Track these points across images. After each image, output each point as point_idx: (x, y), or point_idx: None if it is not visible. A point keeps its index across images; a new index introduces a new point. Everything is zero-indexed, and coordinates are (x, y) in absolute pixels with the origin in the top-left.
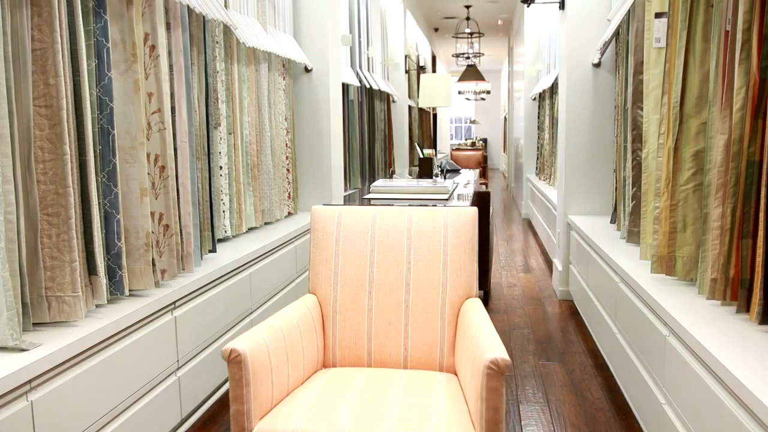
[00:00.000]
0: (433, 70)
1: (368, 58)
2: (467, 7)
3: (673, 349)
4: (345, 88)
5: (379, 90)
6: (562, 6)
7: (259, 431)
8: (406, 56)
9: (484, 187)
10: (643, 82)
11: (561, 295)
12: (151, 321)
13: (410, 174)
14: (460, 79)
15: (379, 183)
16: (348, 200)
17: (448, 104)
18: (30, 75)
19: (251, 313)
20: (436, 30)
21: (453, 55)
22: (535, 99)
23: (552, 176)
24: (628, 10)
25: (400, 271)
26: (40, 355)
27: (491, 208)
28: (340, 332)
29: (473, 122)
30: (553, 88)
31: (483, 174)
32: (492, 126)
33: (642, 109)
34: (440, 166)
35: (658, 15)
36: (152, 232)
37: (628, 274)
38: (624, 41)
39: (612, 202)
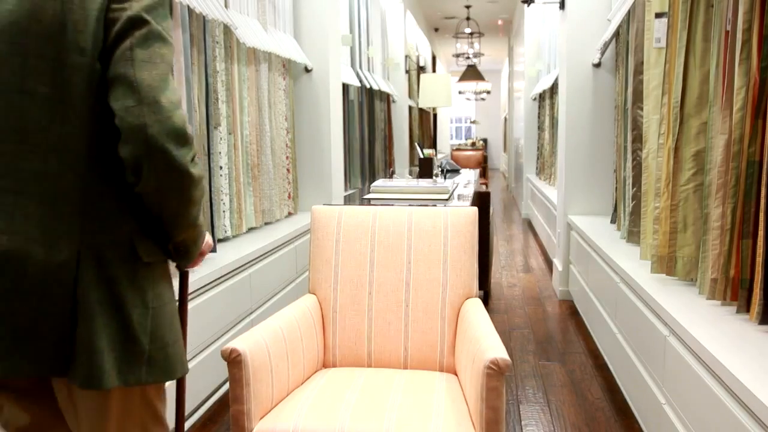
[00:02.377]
0: (433, 70)
1: (368, 58)
2: (467, 7)
3: (673, 349)
4: (345, 88)
5: (379, 90)
6: (562, 6)
7: (259, 431)
8: (406, 56)
9: (484, 187)
10: (643, 82)
11: (561, 295)
12: None
13: (410, 174)
14: (460, 79)
15: (379, 183)
16: (348, 200)
17: (448, 104)
18: None
19: (251, 313)
20: (436, 30)
21: (453, 55)
22: (535, 99)
23: (552, 176)
24: (628, 10)
25: (400, 271)
26: None
27: (491, 208)
28: (340, 332)
29: (473, 122)
30: (553, 88)
31: (483, 174)
32: (492, 126)
33: (642, 109)
34: (440, 166)
35: (658, 15)
36: None
37: (628, 274)
38: (624, 41)
39: (612, 202)
